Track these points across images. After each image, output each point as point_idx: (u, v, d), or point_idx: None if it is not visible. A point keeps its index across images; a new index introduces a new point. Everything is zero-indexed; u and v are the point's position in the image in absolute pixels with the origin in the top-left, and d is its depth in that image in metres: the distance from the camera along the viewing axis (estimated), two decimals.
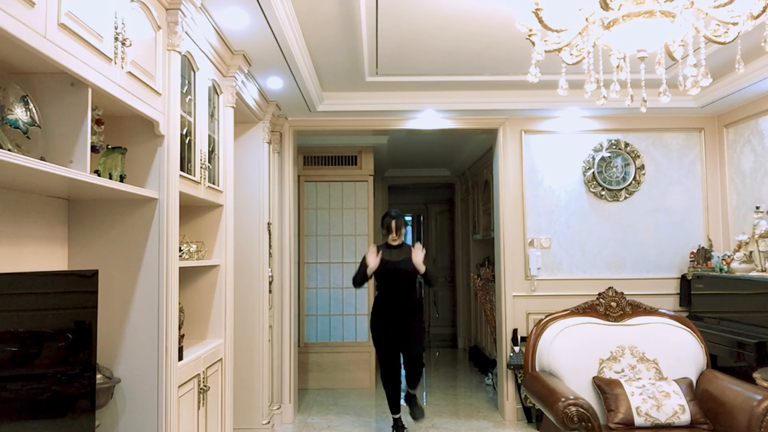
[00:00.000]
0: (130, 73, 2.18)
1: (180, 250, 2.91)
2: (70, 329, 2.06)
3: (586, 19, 2.16)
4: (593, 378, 3.30)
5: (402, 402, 4.74)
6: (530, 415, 4.93)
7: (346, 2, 3.14)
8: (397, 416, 4.63)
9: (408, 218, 11.65)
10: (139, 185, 2.46)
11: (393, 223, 4.61)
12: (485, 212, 7.09)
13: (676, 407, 3.10)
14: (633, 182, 5.14)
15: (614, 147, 5.15)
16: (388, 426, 4.90)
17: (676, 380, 3.26)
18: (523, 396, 4.94)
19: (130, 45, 2.17)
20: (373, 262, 4.49)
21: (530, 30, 2.24)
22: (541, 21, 2.10)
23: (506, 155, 5.19)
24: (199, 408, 2.95)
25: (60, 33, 1.75)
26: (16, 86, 1.84)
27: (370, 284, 6.39)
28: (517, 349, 5.00)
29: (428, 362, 7.78)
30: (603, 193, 5.13)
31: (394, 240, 4.61)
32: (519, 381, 4.95)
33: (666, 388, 3.18)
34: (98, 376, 2.24)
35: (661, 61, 2.24)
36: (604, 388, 3.21)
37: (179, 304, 2.74)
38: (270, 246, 4.70)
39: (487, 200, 6.93)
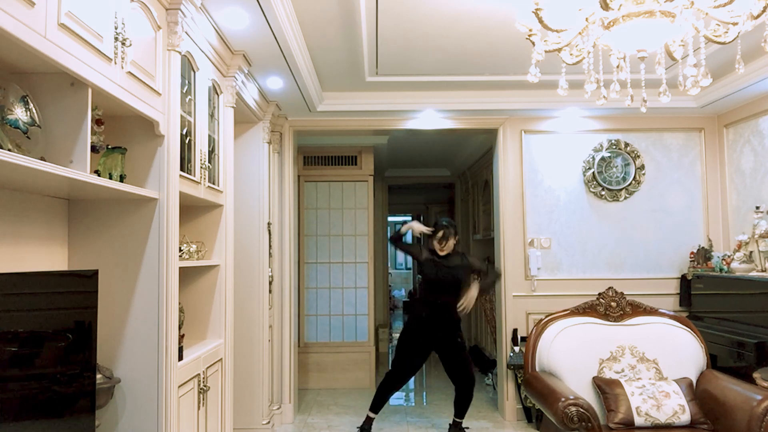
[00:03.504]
0: (130, 73, 2.18)
1: (180, 250, 2.91)
2: (70, 329, 2.06)
3: (586, 19, 2.16)
4: (593, 378, 3.30)
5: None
6: (530, 415, 4.93)
7: (346, 2, 3.14)
8: (373, 416, 4.51)
9: (406, 218, 11.66)
10: (139, 185, 2.46)
11: (441, 233, 4.38)
12: (485, 212, 7.09)
13: (676, 407, 3.10)
14: (633, 182, 5.14)
15: (614, 147, 5.15)
16: (388, 425, 4.91)
17: (676, 380, 3.26)
18: (523, 396, 4.94)
19: (130, 45, 2.17)
20: (419, 227, 4.47)
21: (530, 30, 2.24)
22: (541, 21, 2.10)
23: (506, 155, 5.19)
24: (199, 408, 2.95)
25: (60, 33, 1.75)
26: (16, 86, 1.84)
27: (370, 284, 6.41)
28: (517, 349, 5.00)
29: (428, 362, 7.77)
30: (603, 193, 5.13)
31: (441, 250, 4.41)
32: (519, 381, 4.95)
33: (666, 388, 3.18)
34: (98, 376, 2.24)
35: (661, 61, 2.24)
36: (604, 388, 3.21)
37: (179, 304, 2.74)
38: (270, 246, 4.70)
39: (487, 200, 6.93)
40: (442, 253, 4.42)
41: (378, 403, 4.53)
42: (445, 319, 4.41)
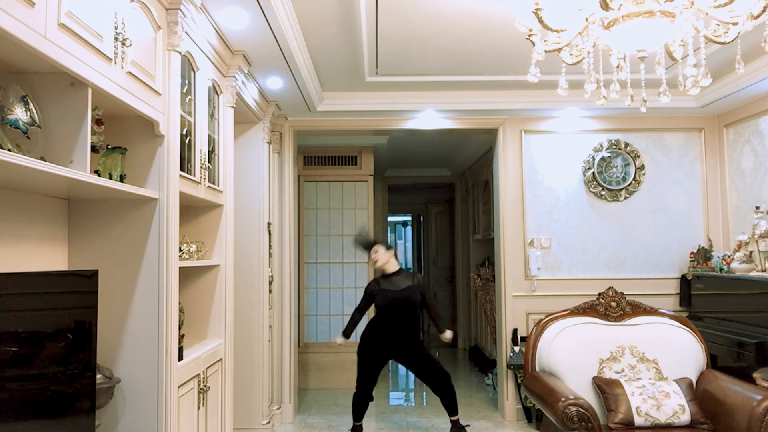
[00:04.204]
0: (130, 73, 2.18)
1: (180, 250, 2.91)
2: (70, 329, 2.06)
3: (586, 19, 2.16)
4: (593, 378, 3.30)
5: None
6: (530, 415, 4.93)
7: (346, 2, 3.14)
8: (359, 423, 4.50)
9: (406, 218, 11.67)
10: (139, 185, 2.46)
11: (363, 249, 4.57)
12: (485, 212, 7.09)
13: (676, 407, 3.10)
14: (633, 182, 5.14)
15: (614, 147, 5.15)
16: (388, 425, 4.91)
17: (676, 380, 3.26)
18: (523, 396, 4.94)
19: (130, 45, 2.17)
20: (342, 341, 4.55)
21: (530, 30, 2.24)
22: (541, 21, 2.10)
23: (506, 155, 5.19)
24: (199, 408, 2.95)
25: (60, 33, 1.75)
26: (16, 86, 1.84)
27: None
28: (517, 349, 5.00)
29: None
30: (603, 193, 5.13)
31: (384, 267, 4.49)
32: (519, 381, 4.96)
33: (666, 388, 3.18)
34: (98, 376, 2.24)
35: (661, 61, 2.24)
36: (604, 388, 3.21)
37: (179, 304, 2.74)
38: (270, 246, 4.70)
39: (487, 200, 6.93)
40: (377, 264, 4.50)
41: (358, 413, 4.51)
42: (402, 331, 4.43)
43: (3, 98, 1.79)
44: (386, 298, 4.39)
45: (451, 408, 4.51)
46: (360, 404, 4.48)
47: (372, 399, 4.49)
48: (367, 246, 4.63)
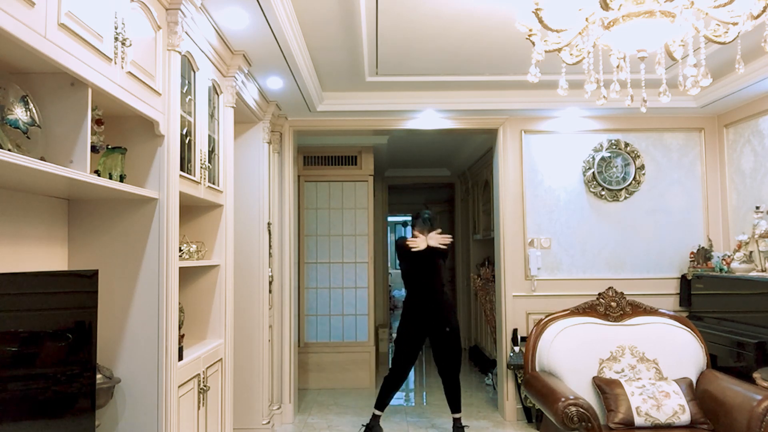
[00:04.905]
0: (130, 73, 2.18)
1: (180, 250, 2.91)
2: (70, 329, 2.06)
3: (586, 19, 2.16)
4: (593, 378, 3.30)
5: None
6: (530, 415, 4.93)
7: (346, 2, 3.14)
8: (379, 414, 4.59)
9: (406, 218, 11.67)
10: (139, 185, 2.46)
11: (422, 224, 4.59)
12: (485, 212, 7.09)
13: (676, 407, 3.10)
14: (633, 182, 5.14)
15: (614, 147, 5.15)
16: (388, 425, 4.90)
17: (676, 380, 3.26)
18: (523, 396, 4.94)
19: (130, 45, 2.17)
20: (422, 243, 4.48)
21: (530, 30, 2.24)
22: (541, 21, 2.10)
23: (506, 155, 5.19)
24: (199, 408, 2.95)
25: (60, 33, 1.75)
26: (16, 86, 1.84)
27: (370, 284, 6.41)
28: (517, 349, 5.00)
29: (427, 362, 7.78)
30: (603, 193, 5.13)
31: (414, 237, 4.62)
32: (519, 381, 4.95)
33: (666, 388, 3.18)
34: (98, 376, 2.24)
35: (661, 61, 2.25)
36: (604, 388, 3.21)
37: (179, 304, 2.74)
38: (270, 246, 4.70)
39: (487, 200, 6.93)
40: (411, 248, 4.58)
41: (383, 401, 4.58)
42: (436, 303, 4.55)
43: (3, 98, 1.79)
44: (411, 253, 4.51)
45: (455, 404, 4.55)
46: (389, 387, 4.57)
47: (404, 380, 4.59)
48: (423, 221, 4.64)
